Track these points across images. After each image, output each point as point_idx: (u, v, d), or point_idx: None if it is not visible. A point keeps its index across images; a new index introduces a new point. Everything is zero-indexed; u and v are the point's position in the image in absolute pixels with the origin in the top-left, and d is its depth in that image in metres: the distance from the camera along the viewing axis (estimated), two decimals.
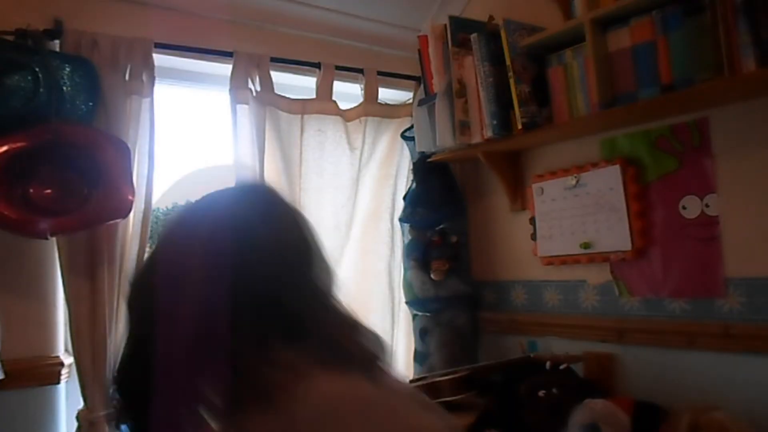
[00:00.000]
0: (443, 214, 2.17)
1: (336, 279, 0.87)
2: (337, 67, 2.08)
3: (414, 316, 2.19)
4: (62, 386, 1.63)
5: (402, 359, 2.21)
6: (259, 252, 0.79)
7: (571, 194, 1.86)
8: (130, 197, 1.56)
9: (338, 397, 0.71)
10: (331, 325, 0.80)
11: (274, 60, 1.96)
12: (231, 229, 0.79)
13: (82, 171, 1.54)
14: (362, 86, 2.16)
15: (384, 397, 0.76)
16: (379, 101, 2.20)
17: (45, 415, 1.59)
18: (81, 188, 1.54)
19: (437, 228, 2.18)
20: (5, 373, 1.47)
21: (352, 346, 0.78)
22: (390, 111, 2.24)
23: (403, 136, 2.22)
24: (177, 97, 2.02)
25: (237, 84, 1.88)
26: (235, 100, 1.87)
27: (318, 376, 0.72)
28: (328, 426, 0.69)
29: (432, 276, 2.11)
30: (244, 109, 1.88)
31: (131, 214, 1.61)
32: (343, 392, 0.72)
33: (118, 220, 1.58)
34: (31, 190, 1.51)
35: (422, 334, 2.14)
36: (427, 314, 2.14)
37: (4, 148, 1.44)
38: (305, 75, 2.07)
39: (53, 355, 1.61)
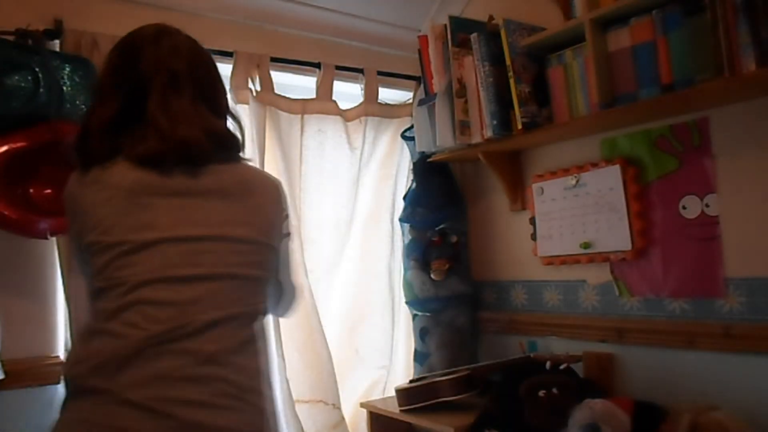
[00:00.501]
0: (443, 214, 2.18)
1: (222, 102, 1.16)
2: (337, 67, 2.09)
3: (414, 316, 2.19)
4: (62, 386, 1.63)
5: (402, 359, 2.21)
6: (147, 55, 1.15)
7: (571, 194, 1.86)
8: None
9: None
10: (166, 124, 1.03)
11: (274, 60, 1.96)
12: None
13: None
14: (362, 86, 2.17)
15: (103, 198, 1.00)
16: (379, 101, 2.20)
17: (45, 415, 1.59)
18: None
19: (437, 228, 2.18)
20: (5, 373, 1.47)
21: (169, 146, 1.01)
22: (390, 111, 2.24)
23: (403, 136, 2.22)
24: None
25: (237, 84, 1.88)
26: (236, 99, 1.87)
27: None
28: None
29: (432, 276, 2.11)
30: (244, 109, 1.89)
31: None
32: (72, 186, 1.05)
33: None
34: (31, 190, 1.52)
35: (422, 334, 2.14)
36: (427, 314, 2.14)
37: (5, 148, 1.44)
38: (305, 75, 2.07)
39: (53, 355, 1.61)
